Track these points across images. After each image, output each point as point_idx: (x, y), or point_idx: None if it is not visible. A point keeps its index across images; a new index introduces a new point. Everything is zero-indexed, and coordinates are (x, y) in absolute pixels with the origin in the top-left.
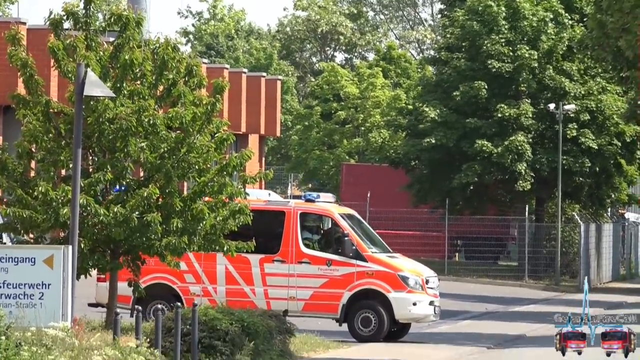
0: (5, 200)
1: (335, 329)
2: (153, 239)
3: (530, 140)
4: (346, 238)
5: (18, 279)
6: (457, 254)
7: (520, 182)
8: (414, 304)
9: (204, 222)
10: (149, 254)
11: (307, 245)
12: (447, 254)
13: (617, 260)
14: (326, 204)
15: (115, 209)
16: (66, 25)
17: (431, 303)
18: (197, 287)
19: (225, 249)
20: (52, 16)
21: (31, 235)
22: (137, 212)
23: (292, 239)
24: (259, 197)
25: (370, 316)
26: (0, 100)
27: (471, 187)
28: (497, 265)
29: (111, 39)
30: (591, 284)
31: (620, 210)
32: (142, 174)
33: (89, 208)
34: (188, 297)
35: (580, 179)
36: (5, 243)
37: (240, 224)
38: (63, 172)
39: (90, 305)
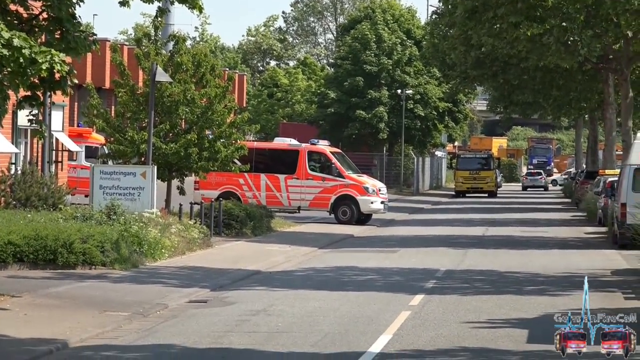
0: (108, 140)
1: (301, 216)
2: (192, 163)
3: (387, 110)
4: (333, 165)
5: (126, 184)
6: None
7: (381, 134)
8: (372, 203)
9: (221, 154)
10: (189, 171)
11: (311, 169)
12: None
13: (432, 178)
14: (323, 145)
15: (171, 145)
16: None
17: (382, 202)
18: (250, 193)
19: (233, 168)
20: (135, 35)
21: (120, 161)
22: (183, 148)
23: (302, 166)
24: (285, 141)
25: (347, 209)
26: (96, 83)
27: (353, 137)
28: None
29: (170, 49)
30: (419, 190)
31: (432, 150)
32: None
33: (156, 145)
34: (244, 198)
35: (414, 132)
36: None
37: (242, 155)
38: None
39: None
